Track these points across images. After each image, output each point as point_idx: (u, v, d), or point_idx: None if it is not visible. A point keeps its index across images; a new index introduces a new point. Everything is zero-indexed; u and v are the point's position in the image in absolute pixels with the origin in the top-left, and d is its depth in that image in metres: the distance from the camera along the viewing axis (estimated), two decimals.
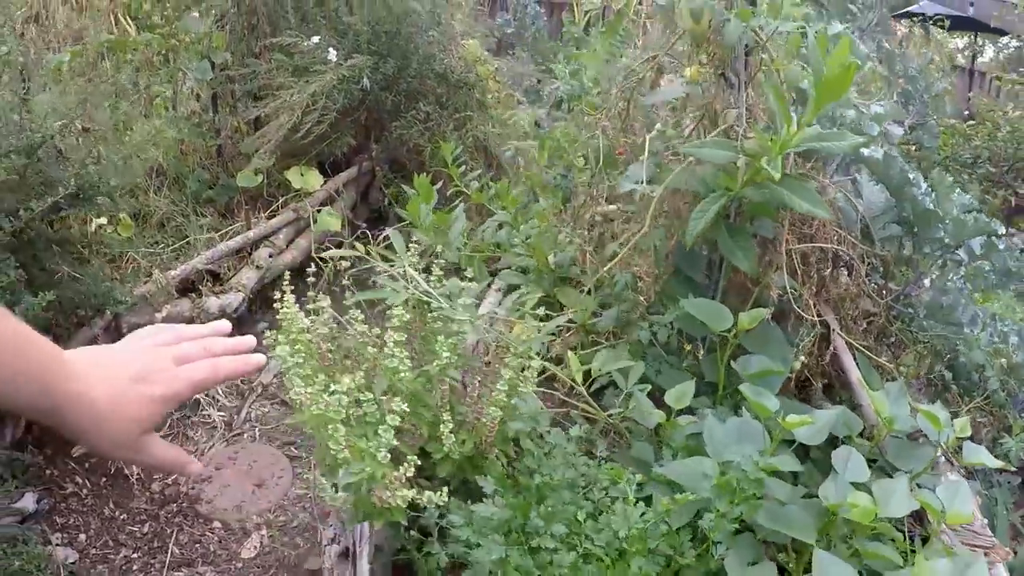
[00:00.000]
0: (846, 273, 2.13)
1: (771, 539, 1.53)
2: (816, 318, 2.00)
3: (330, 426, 1.25)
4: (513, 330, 1.81)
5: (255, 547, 2.41)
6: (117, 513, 2.41)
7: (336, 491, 1.26)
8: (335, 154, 3.62)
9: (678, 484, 1.52)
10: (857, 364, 2.03)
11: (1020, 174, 5.26)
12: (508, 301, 2.68)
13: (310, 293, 1.65)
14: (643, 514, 1.35)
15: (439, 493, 1.17)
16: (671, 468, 1.50)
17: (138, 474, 2.52)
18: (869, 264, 2.11)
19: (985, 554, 1.61)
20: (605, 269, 1.85)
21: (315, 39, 3.34)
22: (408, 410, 1.26)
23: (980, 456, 1.71)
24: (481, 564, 1.15)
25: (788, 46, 1.57)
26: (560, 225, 2.35)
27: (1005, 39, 6.47)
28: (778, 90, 1.48)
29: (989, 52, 7.68)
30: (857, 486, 1.55)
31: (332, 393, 1.23)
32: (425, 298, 1.51)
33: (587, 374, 1.80)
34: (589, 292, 2.20)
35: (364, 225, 3.95)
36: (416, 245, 1.69)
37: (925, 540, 1.60)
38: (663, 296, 1.97)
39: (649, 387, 1.82)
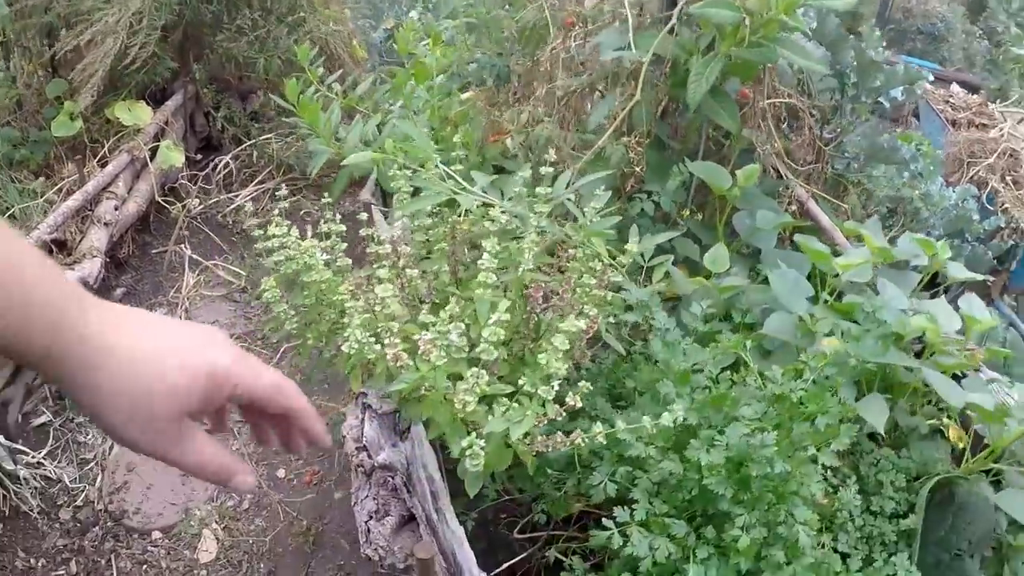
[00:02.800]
0: (795, 127, 2.16)
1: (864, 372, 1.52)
2: (783, 172, 2.01)
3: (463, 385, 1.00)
4: None
5: (213, 546, 2.05)
6: (32, 561, 1.92)
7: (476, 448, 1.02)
8: (155, 82, 3.03)
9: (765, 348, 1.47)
10: (820, 209, 2.09)
11: None
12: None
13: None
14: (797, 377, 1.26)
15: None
16: (768, 325, 1.43)
17: (39, 506, 2.01)
18: (812, 116, 2.15)
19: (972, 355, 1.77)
20: (601, 143, 1.68)
21: None
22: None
23: (963, 273, 1.85)
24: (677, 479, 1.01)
25: None
26: (494, 110, 2.11)
27: None
28: None
29: None
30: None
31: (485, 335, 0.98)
32: (475, 200, 1.26)
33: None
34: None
35: (199, 156, 3.40)
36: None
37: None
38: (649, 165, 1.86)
39: (671, 257, 1.73)
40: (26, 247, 0.48)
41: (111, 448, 2.23)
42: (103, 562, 1.97)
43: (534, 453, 1.01)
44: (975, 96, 3.67)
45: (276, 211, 1.22)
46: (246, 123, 3.35)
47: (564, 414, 1.00)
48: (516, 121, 1.85)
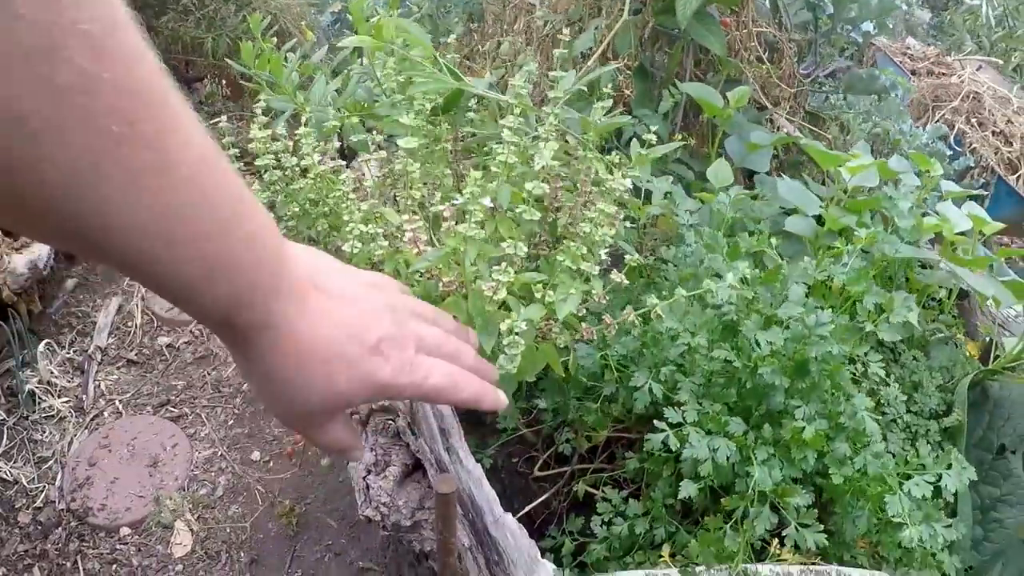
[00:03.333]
0: (773, 60, 2.12)
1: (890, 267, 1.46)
2: (765, 104, 1.96)
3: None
4: None
5: (187, 539, 1.88)
6: None
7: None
8: None
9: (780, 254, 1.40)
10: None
11: None
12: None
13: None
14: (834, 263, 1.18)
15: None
16: (790, 224, 1.35)
17: None
18: (790, 47, 2.11)
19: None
20: (591, 62, 1.59)
21: None
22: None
23: (956, 188, 1.82)
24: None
25: None
26: (466, 60, 2.01)
27: None
28: None
29: None
30: None
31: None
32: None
33: None
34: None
35: None
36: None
37: None
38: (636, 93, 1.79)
39: (670, 177, 1.65)
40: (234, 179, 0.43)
41: (70, 444, 2.03)
42: (69, 565, 1.78)
43: (576, 341, 0.90)
44: (932, 48, 3.71)
45: (256, 109, 1.09)
46: (195, 109, 3.18)
47: (607, 298, 0.89)
48: (492, 56, 1.75)
